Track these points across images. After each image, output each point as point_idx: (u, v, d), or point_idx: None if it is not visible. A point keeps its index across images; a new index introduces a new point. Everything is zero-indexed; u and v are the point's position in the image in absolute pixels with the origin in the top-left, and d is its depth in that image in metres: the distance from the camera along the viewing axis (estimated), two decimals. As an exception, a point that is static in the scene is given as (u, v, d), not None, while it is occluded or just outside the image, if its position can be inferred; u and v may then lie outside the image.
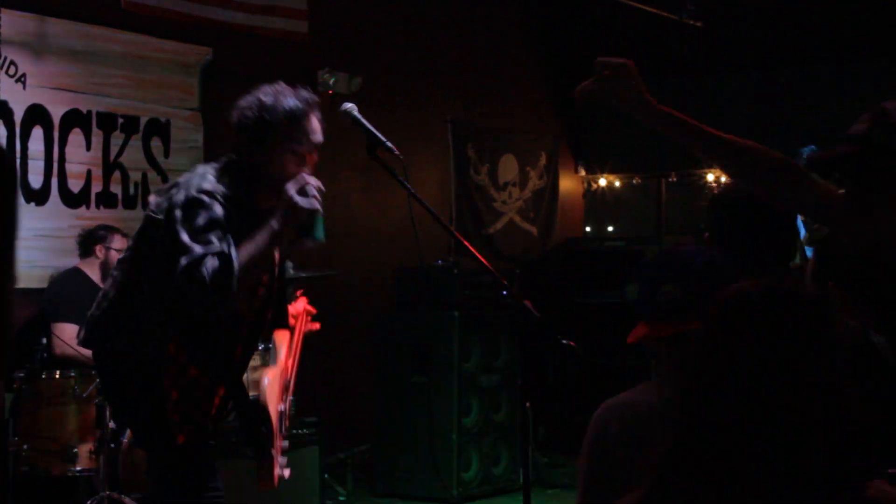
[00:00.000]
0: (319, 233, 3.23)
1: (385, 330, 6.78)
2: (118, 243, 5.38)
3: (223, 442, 4.92)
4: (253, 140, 3.21)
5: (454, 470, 6.45)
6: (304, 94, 3.28)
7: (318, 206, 3.17)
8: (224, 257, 3.00)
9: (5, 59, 5.49)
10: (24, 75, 5.57)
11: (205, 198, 3.07)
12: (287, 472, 3.40)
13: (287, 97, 3.23)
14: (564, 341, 2.92)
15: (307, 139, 3.24)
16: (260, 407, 3.27)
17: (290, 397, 3.56)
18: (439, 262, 6.78)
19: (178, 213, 3.06)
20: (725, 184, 3.04)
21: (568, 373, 7.56)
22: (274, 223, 3.12)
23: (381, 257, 7.36)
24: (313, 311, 3.84)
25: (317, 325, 3.84)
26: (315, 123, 3.27)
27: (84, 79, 5.80)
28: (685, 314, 2.12)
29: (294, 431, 5.50)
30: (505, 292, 3.14)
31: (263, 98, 3.22)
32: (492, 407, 6.76)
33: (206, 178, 3.14)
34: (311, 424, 5.61)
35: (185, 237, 3.01)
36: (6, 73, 5.50)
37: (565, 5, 9.42)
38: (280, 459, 3.38)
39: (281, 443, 3.43)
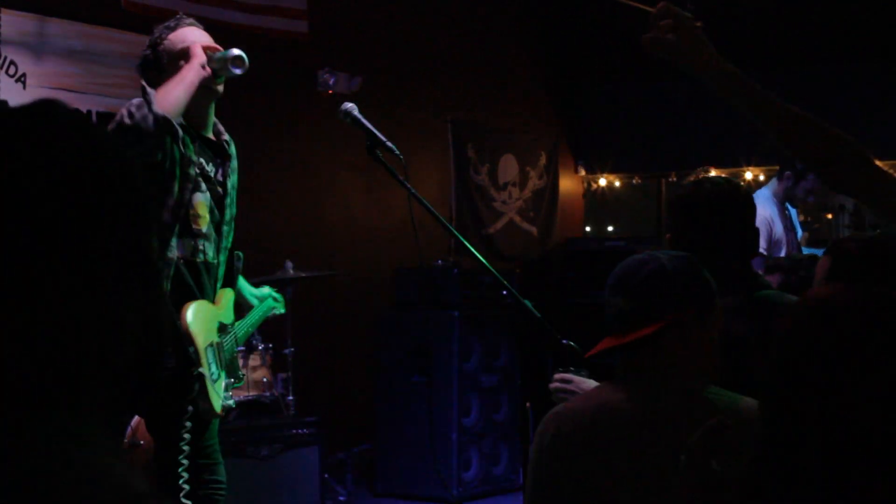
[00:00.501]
0: (227, 52, 3.49)
1: (385, 330, 6.77)
2: None
3: (224, 441, 4.92)
4: (155, 73, 3.49)
5: (454, 470, 6.45)
6: (183, 15, 3.63)
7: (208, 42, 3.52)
8: (137, 102, 3.27)
9: (5, 59, 5.49)
10: (24, 75, 5.57)
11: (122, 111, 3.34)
12: (231, 403, 3.48)
13: (163, 23, 3.60)
14: (564, 341, 2.92)
15: (194, 42, 3.49)
16: (181, 329, 3.29)
17: (228, 339, 3.56)
18: (439, 262, 6.78)
19: None
20: (684, 185, 3.02)
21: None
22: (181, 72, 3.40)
23: (381, 257, 7.36)
24: (277, 298, 4.03)
25: (282, 311, 4.06)
26: (195, 31, 3.58)
27: (84, 79, 5.80)
28: (633, 325, 2.13)
29: (294, 431, 5.50)
30: (505, 292, 3.14)
31: (148, 39, 3.58)
32: (492, 407, 6.76)
33: None
34: (311, 424, 5.61)
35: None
36: (6, 73, 5.49)
37: (565, 5, 9.42)
38: (222, 392, 3.43)
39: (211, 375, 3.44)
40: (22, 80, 5.57)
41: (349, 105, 3.37)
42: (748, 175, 8.82)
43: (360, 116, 3.33)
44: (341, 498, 6.31)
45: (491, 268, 3.19)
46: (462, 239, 3.27)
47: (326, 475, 5.89)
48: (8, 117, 0.98)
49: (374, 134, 3.28)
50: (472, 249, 3.19)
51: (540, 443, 2.17)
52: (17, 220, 0.91)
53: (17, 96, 5.54)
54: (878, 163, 2.30)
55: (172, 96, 3.28)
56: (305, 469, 5.53)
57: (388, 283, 7.02)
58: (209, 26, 6.38)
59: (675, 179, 9.33)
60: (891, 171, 2.30)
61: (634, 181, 9.63)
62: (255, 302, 3.89)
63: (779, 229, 6.23)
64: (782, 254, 6.19)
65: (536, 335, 3.06)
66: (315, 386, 6.62)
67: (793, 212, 6.68)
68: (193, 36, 3.53)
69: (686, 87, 9.01)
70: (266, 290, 4.01)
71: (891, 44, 8.25)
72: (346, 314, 7.15)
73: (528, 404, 3.34)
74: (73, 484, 0.88)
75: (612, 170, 9.62)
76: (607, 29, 9.28)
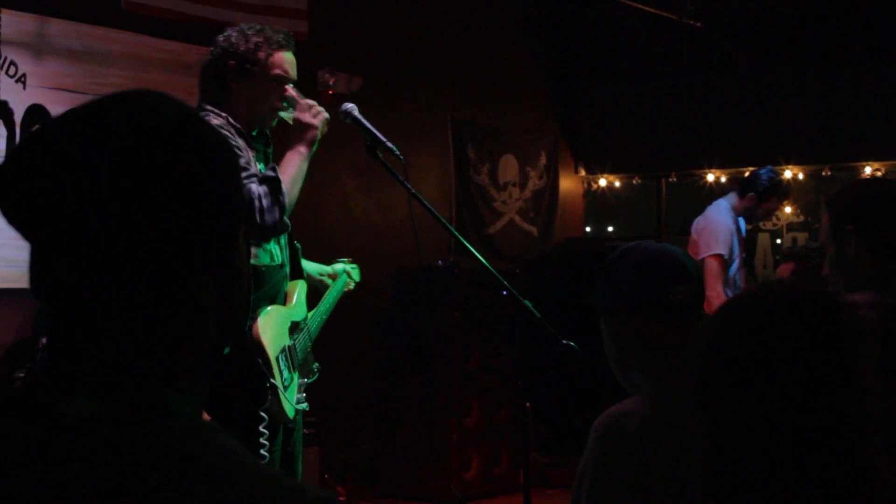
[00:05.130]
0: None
1: (385, 330, 6.77)
2: None
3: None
4: (223, 82, 3.34)
5: (454, 470, 6.45)
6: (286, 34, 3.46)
7: (325, 115, 3.39)
8: (271, 180, 3.19)
9: (5, 59, 5.49)
10: (24, 75, 5.57)
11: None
12: (304, 406, 3.48)
13: (259, 31, 3.44)
14: (564, 341, 2.93)
15: (285, 71, 3.37)
16: (252, 340, 3.24)
17: (301, 337, 3.54)
18: (439, 262, 6.78)
19: None
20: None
21: (568, 373, 7.56)
22: (301, 149, 3.32)
23: (381, 257, 7.36)
24: (350, 270, 3.99)
25: (355, 280, 4.04)
26: (290, 57, 3.41)
27: (84, 79, 5.80)
28: (693, 317, 2.12)
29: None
30: (505, 292, 3.14)
31: (234, 37, 3.41)
32: (492, 407, 6.76)
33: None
34: (311, 424, 5.61)
35: None
36: (6, 73, 5.49)
37: (565, 5, 9.42)
38: (295, 395, 3.43)
39: (294, 378, 3.44)
40: (22, 80, 5.57)
41: (349, 105, 3.37)
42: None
43: (360, 116, 3.34)
44: (341, 498, 6.31)
45: (491, 268, 3.19)
46: (462, 239, 3.27)
47: (326, 475, 5.89)
48: (107, 111, 1.02)
49: (375, 134, 3.28)
50: (472, 249, 3.19)
51: (616, 444, 2.00)
52: (134, 213, 0.98)
53: (17, 96, 5.54)
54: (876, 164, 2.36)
55: (293, 195, 3.29)
56: (305, 469, 5.53)
57: (388, 282, 7.02)
58: (210, 26, 6.39)
59: (675, 179, 9.33)
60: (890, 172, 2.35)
61: (634, 181, 9.63)
62: (328, 282, 3.85)
63: (736, 241, 6.37)
64: (735, 265, 6.32)
65: (536, 335, 3.06)
66: (315, 386, 6.61)
67: (741, 223, 6.78)
68: (289, 69, 3.40)
69: (686, 87, 9.01)
70: (339, 265, 3.97)
71: (891, 44, 8.24)
72: (346, 314, 7.13)
73: (528, 404, 3.33)
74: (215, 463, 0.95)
75: (612, 170, 9.62)
76: (607, 29, 9.29)
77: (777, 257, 8.87)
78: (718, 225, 6.21)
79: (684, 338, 2.07)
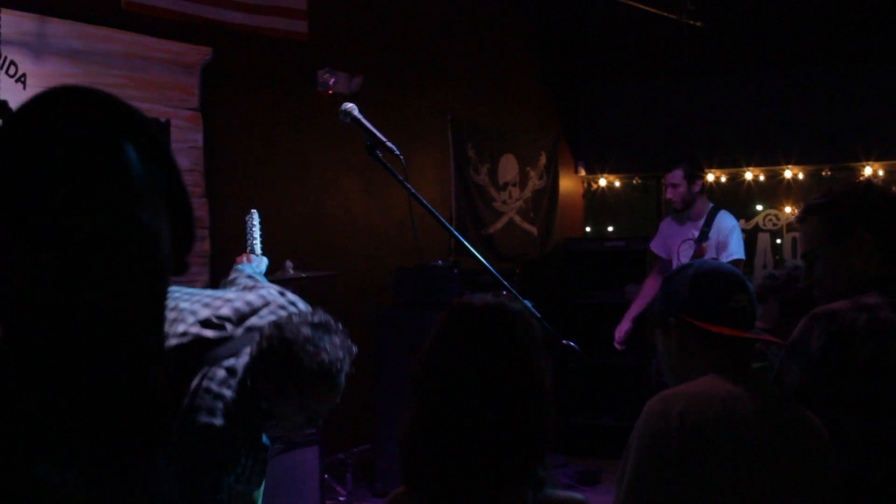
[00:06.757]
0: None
1: (385, 330, 6.77)
2: None
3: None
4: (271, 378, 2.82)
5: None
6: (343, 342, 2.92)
7: None
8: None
9: (5, 59, 5.49)
10: (24, 75, 5.57)
11: None
12: None
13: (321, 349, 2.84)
14: (564, 341, 2.93)
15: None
16: None
17: None
18: (439, 262, 6.78)
19: None
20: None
21: (568, 373, 7.56)
22: None
23: (381, 257, 7.36)
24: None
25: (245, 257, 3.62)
26: None
27: (84, 79, 5.79)
28: (752, 323, 2.40)
29: (294, 431, 5.50)
30: (505, 292, 3.14)
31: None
32: (492, 407, 6.76)
33: None
34: (311, 424, 5.60)
35: None
36: (6, 73, 5.49)
37: (565, 5, 9.42)
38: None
39: None
40: (22, 80, 5.57)
41: (349, 105, 3.37)
42: (748, 175, 8.82)
43: (360, 116, 3.33)
44: (341, 498, 6.31)
45: (491, 268, 3.19)
46: (462, 239, 3.27)
47: (326, 475, 5.89)
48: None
49: (374, 134, 3.28)
50: (472, 249, 3.19)
51: (662, 420, 2.23)
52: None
53: (17, 96, 5.54)
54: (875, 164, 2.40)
55: None
56: (305, 469, 5.53)
57: (388, 282, 7.02)
58: (210, 26, 6.39)
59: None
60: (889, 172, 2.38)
61: (634, 181, 9.63)
62: None
63: (672, 241, 6.68)
64: (674, 261, 6.51)
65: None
66: (315, 386, 6.60)
67: (719, 231, 6.61)
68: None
69: (686, 87, 9.01)
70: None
71: (890, 44, 8.25)
72: (346, 314, 7.12)
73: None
74: None
75: (612, 170, 9.62)
76: (607, 29, 9.29)
77: (777, 257, 8.87)
78: (660, 226, 6.96)
79: (743, 336, 2.34)
